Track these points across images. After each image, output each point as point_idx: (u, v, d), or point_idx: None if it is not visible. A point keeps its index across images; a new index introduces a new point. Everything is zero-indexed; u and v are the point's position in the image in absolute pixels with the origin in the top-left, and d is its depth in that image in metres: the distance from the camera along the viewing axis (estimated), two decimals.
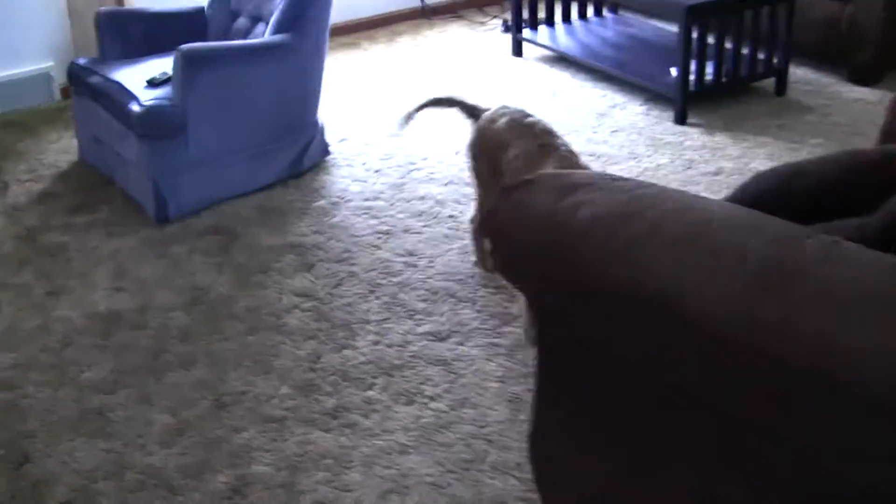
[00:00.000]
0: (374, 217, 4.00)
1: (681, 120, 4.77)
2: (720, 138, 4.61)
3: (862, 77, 5.18)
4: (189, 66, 3.81)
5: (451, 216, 3.93)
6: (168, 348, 3.29)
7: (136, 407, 3.03)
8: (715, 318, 1.53)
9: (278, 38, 4.09)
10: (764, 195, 2.20)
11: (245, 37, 4.38)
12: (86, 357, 3.26)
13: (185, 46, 3.82)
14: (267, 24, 4.31)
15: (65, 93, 5.16)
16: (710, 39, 4.81)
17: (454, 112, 3.70)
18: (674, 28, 5.69)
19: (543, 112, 4.92)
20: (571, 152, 3.14)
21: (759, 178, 2.28)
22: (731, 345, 1.51)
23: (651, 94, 5.06)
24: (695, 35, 4.67)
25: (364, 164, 4.47)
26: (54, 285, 3.65)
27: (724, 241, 1.64)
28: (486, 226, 2.00)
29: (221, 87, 3.94)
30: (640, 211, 1.76)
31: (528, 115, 3.28)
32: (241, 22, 4.48)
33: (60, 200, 4.24)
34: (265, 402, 3.04)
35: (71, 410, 3.02)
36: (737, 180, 4.18)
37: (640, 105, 5.00)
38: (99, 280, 3.67)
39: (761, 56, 4.98)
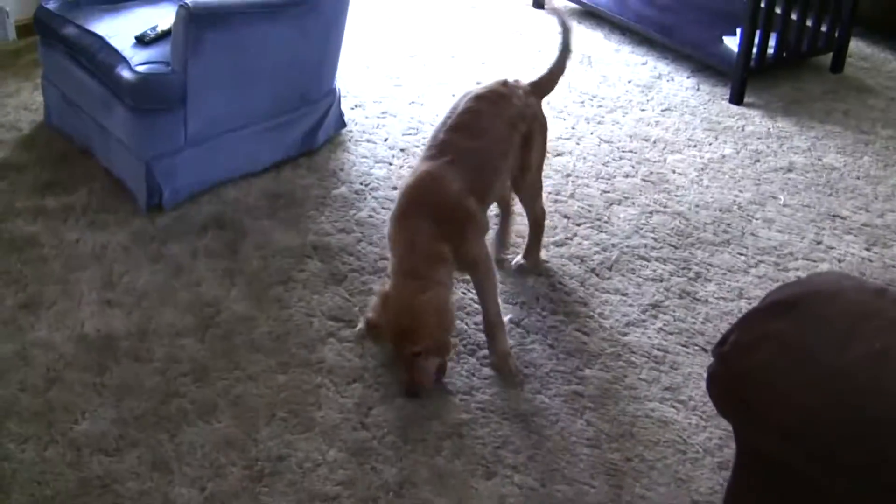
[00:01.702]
0: None
1: (738, 99, 4.24)
2: (784, 124, 4.08)
3: None
4: (195, 26, 3.13)
5: (499, 214, 3.30)
6: (180, 391, 2.67)
7: (151, 476, 2.42)
8: None
9: None
10: None
11: None
12: (78, 400, 2.63)
13: (190, 1, 3.13)
14: None
15: (23, 31, 4.37)
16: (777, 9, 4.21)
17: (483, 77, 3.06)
18: None
19: (578, 81, 4.31)
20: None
21: None
22: None
23: (698, 63, 4.50)
24: (762, 4, 4.06)
25: (386, 140, 3.83)
26: (28, 295, 2.98)
27: None
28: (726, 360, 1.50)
29: (230, 51, 3.27)
30: None
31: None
32: None
33: (26, 175, 3.53)
34: (311, 471, 2.47)
35: (66, 480, 2.41)
36: (812, 179, 3.65)
37: (688, 77, 4.43)
38: (83, 288, 3.02)
39: (822, 28, 4.40)
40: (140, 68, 3.21)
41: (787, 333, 1.44)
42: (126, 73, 3.21)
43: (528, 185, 3.00)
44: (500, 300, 2.78)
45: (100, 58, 3.32)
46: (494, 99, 2.86)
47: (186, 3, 3.14)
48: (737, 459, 1.71)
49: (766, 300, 1.52)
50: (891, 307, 1.45)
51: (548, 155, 3.63)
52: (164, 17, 3.43)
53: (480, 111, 2.82)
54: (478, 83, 2.95)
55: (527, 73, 4.19)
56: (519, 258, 3.15)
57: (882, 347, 1.36)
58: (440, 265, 2.62)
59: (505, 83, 2.93)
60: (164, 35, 3.35)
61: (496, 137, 2.82)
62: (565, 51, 3.07)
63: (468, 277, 2.87)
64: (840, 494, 1.43)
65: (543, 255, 3.20)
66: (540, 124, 2.96)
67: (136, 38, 3.38)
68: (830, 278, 1.61)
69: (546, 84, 3.05)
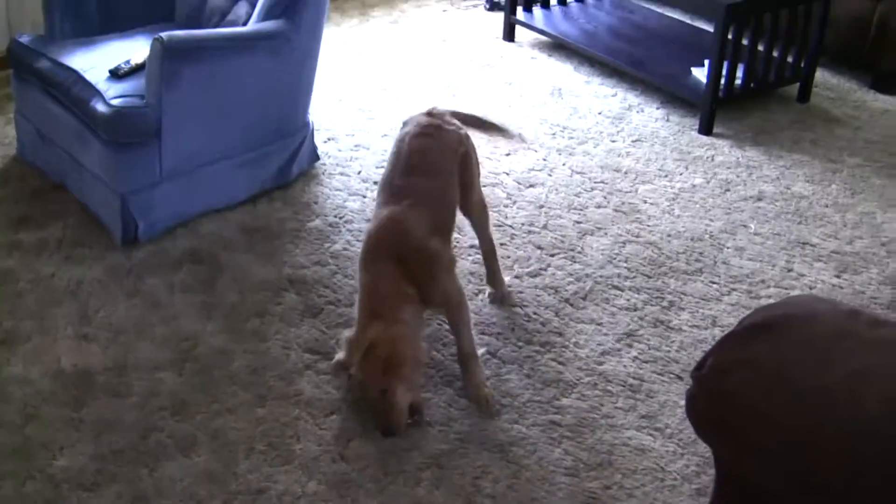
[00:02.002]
0: None
1: (707, 130, 4.29)
2: (753, 153, 4.14)
3: (886, 84, 4.75)
4: (169, 59, 3.15)
5: (472, 246, 3.33)
6: (159, 425, 2.67)
7: None
8: None
9: (271, 24, 3.44)
10: None
11: (223, 17, 3.70)
12: (56, 436, 2.63)
13: (164, 34, 3.14)
14: (251, 3, 3.65)
15: None
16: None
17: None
18: (682, 18, 5.24)
19: (549, 113, 4.37)
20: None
21: None
22: None
23: (667, 95, 4.56)
24: (730, 35, 4.14)
25: (359, 172, 3.85)
26: (4, 330, 2.98)
27: None
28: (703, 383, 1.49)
29: (205, 84, 3.29)
30: None
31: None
32: None
33: (0, 209, 3.51)
34: None
35: None
36: (782, 207, 3.70)
37: (658, 108, 4.49)
38: (59, 323, 3.01)
39: (789, 59, 4.48)
40: (115, 102, 3.22)
41: (764, 356, 1.47)
42: (101, 107, 3.22)
43: (476, 204, 3.08)
44: (473, 332, 2.81)
45: (74, 91, 3.33)
46: (432, 132, 2.94)
47: (161, 37, 3.15)
48: (716, 484, 1.73)
49: (742, 323, 1.55)
50: (865, 329, 1.49)
51: (520, 186, 3.68)
52: (138, 51, 3.45)
53: (426, 149, 2.90)
54: (404, 121, 2.99)
55: (498, 104, 4.26)
56: (487, 289, 3.18)
57: (858, 368, 1.39)
58: (405, 305, 2.68)
59: (431, 112, 3.02)
60: (139, 68, 3.36)
61: (445, 171, 2.91)
62: (498, 128, 3.35)
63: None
64: None
65: (516, 283, 3.23)
66: (470, 142, 3.06)
67: (111, 71, 3.39)
68: (805, 301, 1.64)
69: (468, 119, 3.20)
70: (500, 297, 3.17)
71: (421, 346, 2.71)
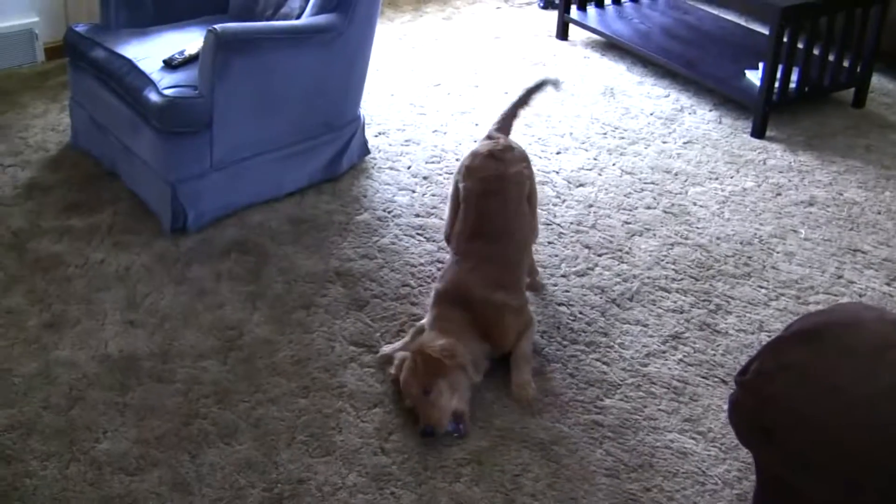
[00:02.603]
0: (432, 240, 3.40)
1: (759, 133, 4.24)
2: (805, 158, 4.08)
3: None
4: (223, 51, 3.16)
5: None
6: (202, 412, 2.68)
7: (171, 497, 2.43)
8: None
9: (324, 18, 3.44)
10: None
11: (277, 10, 3.71)
12: (100, 419, 2.65)
13: (218, 27, 3.15)
14: None
15: (51, 53, 4.44)
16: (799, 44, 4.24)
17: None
18: (737, 20, 5.19)
19: (601, 113, 4.35)
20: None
21: None
22: None
23: (720, 97, 4.51)
24: (785, 38, 4.08)
25: (409, 167, 3.85)
26: (53, 314, 3.00)
27: None
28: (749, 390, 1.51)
29: (257, 76, 3.30)
30: None
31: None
32: None
33: (52, 195, 3.57)
34: (330, 495, 2.47)
35: (87, 498, 2.43)
36: (833, 213, 3.65)
37: (710, 110, 4.44)
38: (107, 309, 3.03)
39: (844, 64, 4.42)
40: (168, 91, 3.24)
41: (809, 362, 1.45)
42: (153, 96, 3.24)
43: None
44: (533, 340, 2.89)
45: (128, 81, 3.36)
46: (498, 189, 3.00)
47: (215, 29, 3.17)
48: (757, 489, 1.72)
49: (788, 329, 1.53)
50: None
51: (569, 185, 3.67)
52: (191, 42, 3.48)
53: (490, 211, 2.98)
54: (465, 164, 3.05)
55: (549, 102, 4.24)
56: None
57: None
58: (465, 342, 2.78)
59: (493, 153, 3.05)
60: (192, 59, 3.39)
61: (512, 229, 2.98)
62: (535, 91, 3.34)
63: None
64: None
65: (563, 282, 3.23)
66: (530, 171, 3.13)
67: (164, 61, 3.42)
68: (852, 308, 1.62)
69: (510, 117, 3.28)
70: (534, 286, 3.21)
71: (468, 361, 2.72)
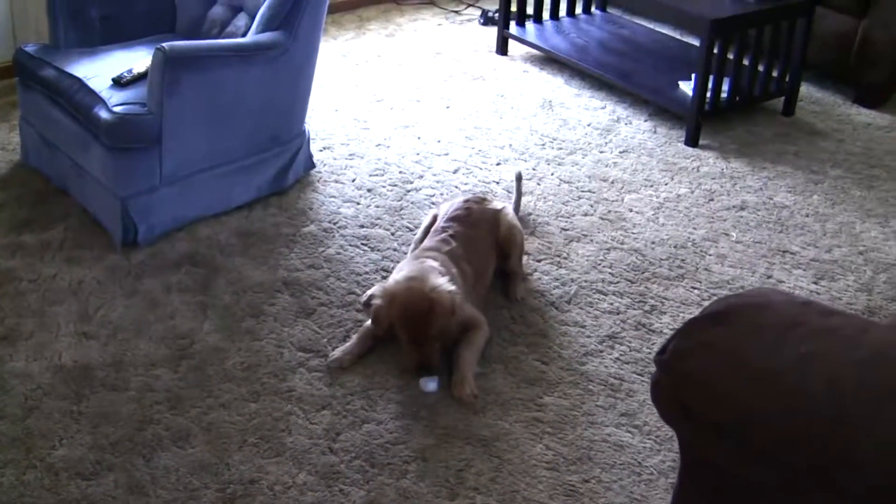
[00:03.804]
0: (375, 249, 3.51)
1: (693, 141, 4.40)
2: (737, 164, 4.24)
3: (869, 98, 4.88)
4: (171, 68, 3.25)
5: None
6: (155, 418, 2.76)
7: (127, 499, 2.51)
8: None
9: (269, 36, 3.55)
10: None
11: (223, 29, 3.82)
12: (56, 427, 2.73)
13: (166, 44, 3.25)
14: (250, 15, 3.77)
15: (1, 73, 4.47)
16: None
17: (443, 125, 3.55)
18: (671, 33, 5.36)
19: (539, 125, 4.49)
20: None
21: None
22: None
23: (655, 107, 4.67)
24: (716, 50, 4.25)
25: (353, 180, 3.96)
26: (6, 327, 3.08)
27: None
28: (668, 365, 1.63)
29: (205, 93, 3.40)
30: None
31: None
32: (218, 11, 3.92)
33: (4, 213, 3.65)
34: (282, 494, 2.57)
35: (44, 503, 2.48)
36: (763, 216, 3.81)
37: (645, 120, 4.60)
38: (61, 322, 3.11)
39: (774, 73, 4.60)
40: (117, 109, 3.33)
41: (721, 340, 1.57)
42: (103, 114, 3.33)
43: None
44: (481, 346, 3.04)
45: (77, 98, 3.44)
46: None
47: (163, 46, 3.27)
48: (681, 469, 1.83)
49: (703, 311, 1.65)
50: (815, 317, 1.59)
51: (509, 195, 3.79)
52: (140, 60, 3.57)
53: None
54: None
55: (490, 116, 4.37)
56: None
57: (807, 352, 1.49)
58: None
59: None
60: (141, 77, 3.48)
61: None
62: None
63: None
64: (777, 493, 1.56)
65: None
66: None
67: (114, 79, 3.50)
68: (763, 292, 1.75)
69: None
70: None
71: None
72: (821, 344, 1.54)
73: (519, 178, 3.73)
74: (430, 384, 2.90)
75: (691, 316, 3.16)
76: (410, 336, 2.89)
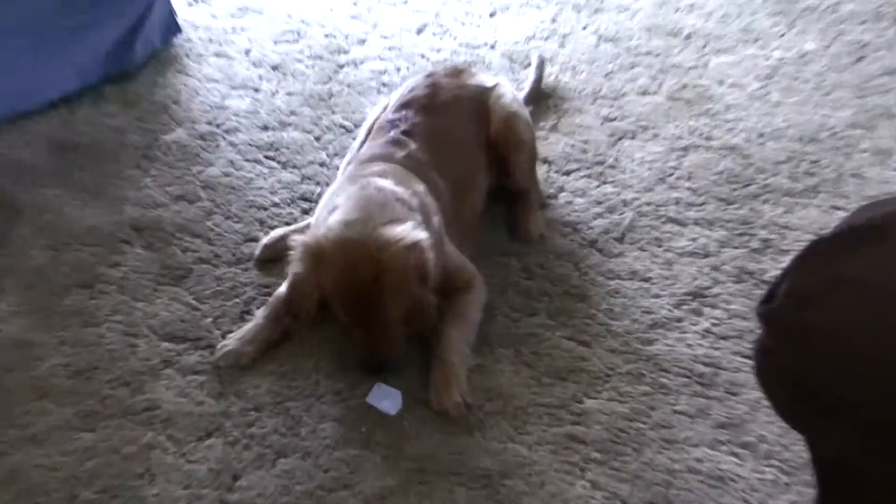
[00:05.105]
0: (288, 166, 3.52)
1: None
2: None
3: None
4: None
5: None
6: None
7: None
8: None
9: None
10: None
11: None
12: None
13: None
14: None
15: None
16: None
17: None
18: None
19: None
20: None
21: None
22: None
23: None
24: None
25: (247, 52, 3.95)
26: None
27: None
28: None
29: None
30: None
31: None
32: None
33: None
34: None
35: None
36: None
37: None
38: None
39: None
40: None
41: (871, 273, 1.51)
42: None
43: None
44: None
45: None
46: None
47: None
48: (817, 485, 1.79)
49: (836, 228, 1.60)
50: None
51: (512, 64, 3.76)
52: None
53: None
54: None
55: None
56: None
57: None
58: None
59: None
60: None
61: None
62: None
63: None
64: None
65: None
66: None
67: None
68: None
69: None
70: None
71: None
72: None
73: (541, 63, 3.74)
74: (386, 401, 2.85)
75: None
76: (353, 318, 2.83)
